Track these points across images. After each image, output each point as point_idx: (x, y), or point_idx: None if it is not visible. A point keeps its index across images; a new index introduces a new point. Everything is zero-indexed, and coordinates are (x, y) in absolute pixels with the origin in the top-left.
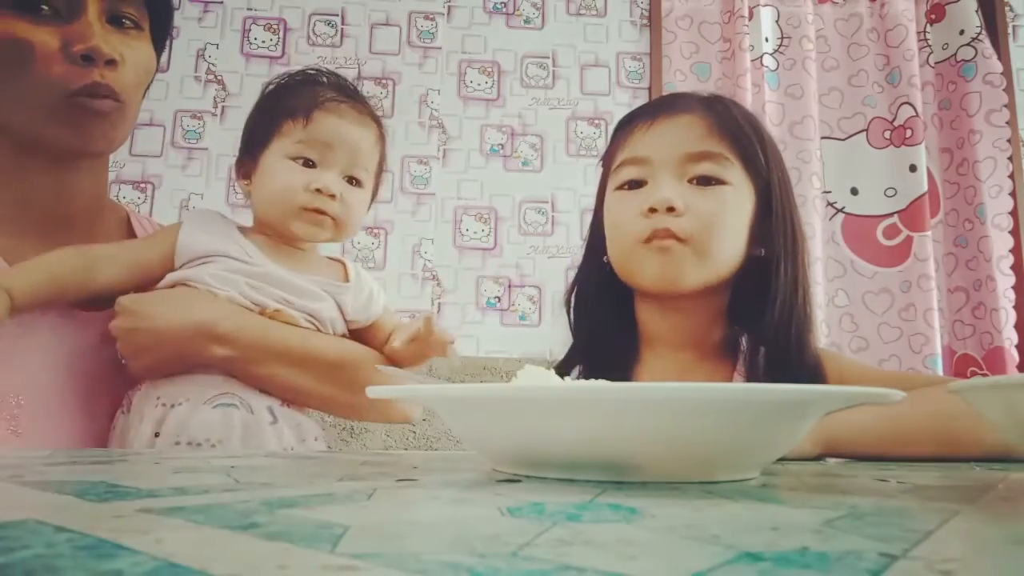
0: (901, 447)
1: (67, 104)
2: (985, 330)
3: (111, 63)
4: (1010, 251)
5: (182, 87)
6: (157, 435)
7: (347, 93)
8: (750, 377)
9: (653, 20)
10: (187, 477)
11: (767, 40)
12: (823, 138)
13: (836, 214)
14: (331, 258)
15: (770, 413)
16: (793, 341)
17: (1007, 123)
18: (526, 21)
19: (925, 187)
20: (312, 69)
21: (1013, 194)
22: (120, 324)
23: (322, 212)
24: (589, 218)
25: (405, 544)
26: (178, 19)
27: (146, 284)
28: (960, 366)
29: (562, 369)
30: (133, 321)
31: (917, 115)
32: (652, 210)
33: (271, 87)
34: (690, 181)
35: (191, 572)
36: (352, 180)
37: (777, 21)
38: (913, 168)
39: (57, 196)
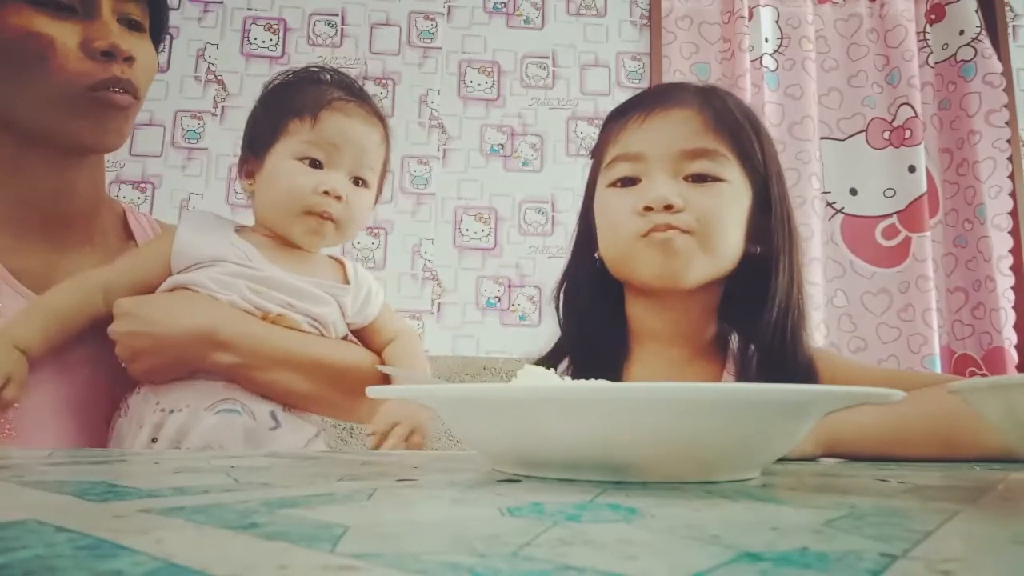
0: (901, 448)
1: (87, 98)
2: (984, 330)
3: (128, 60)
4: (1009, 251)
5: (182, 87)
6: (154, 440)
7: (353, 92)
8: (741, 376)
9: (653, 20)
10: (187, 477)
11: (767, 40)
12: (822, 138)
13: (835, 214)
14: (331, 256)
15: (770, 413)
16: (788, 340)
17: (1007, 123)
18: (526, 21)
19: (924, 188)
20: (315, 67)
21: (1013, 194)
22: (119, 328)
23: (325, 217)
24: None
25: (405, 544)
26: (178, 19)
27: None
28: (959, 366)
29: (547, 362)
30: (132, 325)
31: (916, 116)
32: (648, 208)
33: (275, 84)
34: (686, 179)
35: (191, 572)
36: (358, 180)
37: (777, 21)
38: (912, 169)
39: (57, 195)
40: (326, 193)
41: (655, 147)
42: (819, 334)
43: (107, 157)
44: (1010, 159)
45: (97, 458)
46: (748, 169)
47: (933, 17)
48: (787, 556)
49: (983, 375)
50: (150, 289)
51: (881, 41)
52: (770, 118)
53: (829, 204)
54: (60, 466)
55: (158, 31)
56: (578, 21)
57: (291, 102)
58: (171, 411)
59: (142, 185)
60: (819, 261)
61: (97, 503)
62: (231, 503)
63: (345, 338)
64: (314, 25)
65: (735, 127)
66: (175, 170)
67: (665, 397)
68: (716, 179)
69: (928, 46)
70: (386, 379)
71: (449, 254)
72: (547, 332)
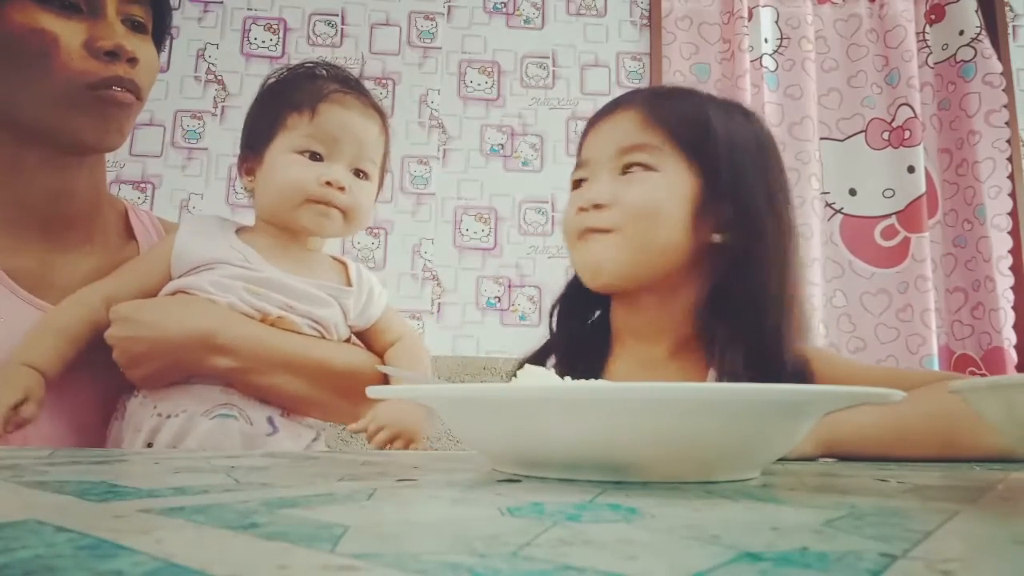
0: (901, 448)
1: (89, 96)
2: (984, 330)
3: (132, 61)
4: (1009, 252)
5: (182, 87)
6: (150, 445)
7: (350, 85)
8: (721, 374)
9: (653, 20)
10: (187, 477)
11: (766, 41)
12: (822, 139)
13: (834, 215)
14: (334, 257)
15: (770, 413)
16: (768, 335)
17: (1006, 123)
18: (526, 21)
19: (923, 188)
20: (310, 63)
21: (1012, 194)
22: (116, 333)
23: (330, 204)
24: None
25: (405, 544)
26: (178, 19)
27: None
28: (959, 366)
29: (535, 360)
30: (129, 330)
31: (916, 116)
32: (582, 209)
33: (271, 81)
34: (623, 173)
35: (191, 572)
36: (359, 173)
37: (776, 22)
38: (911, 169)
39: (55, 195)
40: (328, 184)
41: (598, 149)
42: (818, 334)
43: (107, 157)
44: (1010, 159)
45: (97, 458)
46: (695, 158)
47: (933, 17)
48: (787, 556)
49: (983, 375)
50: (152, 296)
51: (881, 41)
52: (770, 118)
53: (828, 204)
54: (60, 466)
55: (160, 33)
56: (578, 21)
57: (288, 97)
58: (168, 416)
59: (142, 185)
60: (818, 261)
61: (97, 503)
62: (231, 503)
63: (348, 340)
64: (314, 25)
65: (674, 119)
66: (175, 170)
67: (665, 397)
68: (647, 168)
69: (928, 46)
70: (387, 380)
71: (449, 254)
72: (547, 332)
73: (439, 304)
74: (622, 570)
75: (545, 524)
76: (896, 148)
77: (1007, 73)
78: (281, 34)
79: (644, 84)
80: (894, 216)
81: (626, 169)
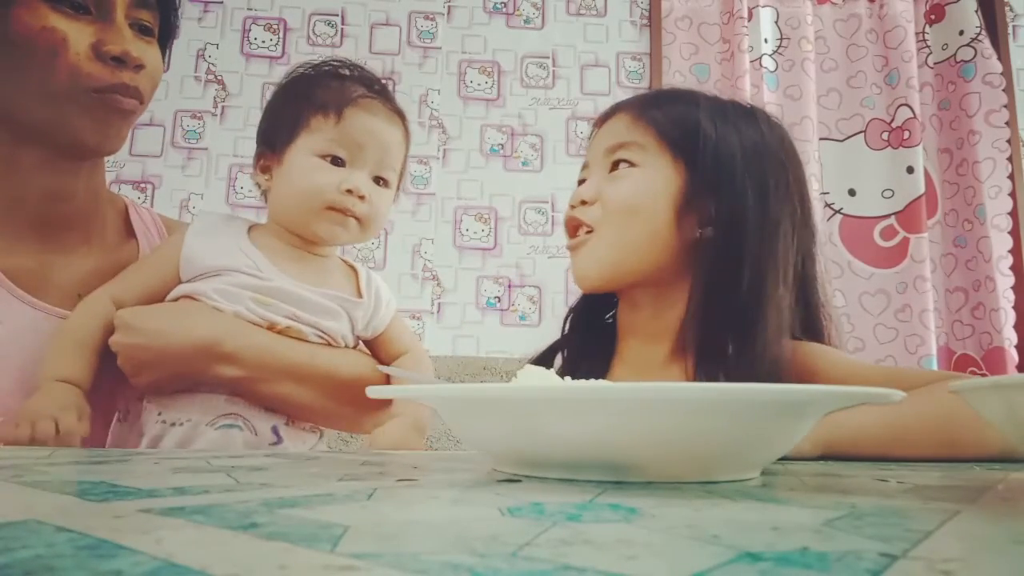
0: (901, 448)
1: (94, 100)
2: (984, 330)
3: (138, 67)
4: (1009, 251)
5: (182, 87)
6: None
7: (375, 89)
8: (697, 373)
9: (653, 20)
10: (187, 477)
11: (766, 41)
12: (821, 139)
13: (834, 215)
14: (344, 261)
15: (770, 413)
16: (745, 329)
17: (1006, 123)
18: (526, 21)
19: (922, 188)
20: (335, 60)
21: (1012, 194)
22: (121, 340)
23: (348, 213)
24: None
25: (405, 544)
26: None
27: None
28: (960, 366)
29: (542, 361)
30: (133, 337)
31: (915, 117)
32: (572, 206)
33: (293, 77)
34: (611, 171)
35: (191, 572)
36: (379, 180)
37: (776, 22)
38: (911, 170)
39: (54, 196)
40: (349, 192)
41: (594, 150)
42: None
43: (107, 157)
44: (1010, 159)
45: (97, 458)
46: (680, 156)
47: (933, 17)
48: (787, 556)
49: (983, 375)
50: (160, 298)
51: (880, 42)
52: None
53: (828, 205)
54: (60, 466)
55: (165, 37)
56: (578, 21)
57: (313, 97)
58: (172, 424)
59: (142, 185)
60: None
61: (97, 503)
62: (231, 503)
63: (355, 347)
64: (314, 25)
65: (663, 118)
66: (175, 170)
67: (665, 397)
68: (632, 165)
69: (927, 46)
70: (389, 382)
71: (449, 254)
72: (547, 332)
73: (439, 304)
74: (622, 570)
75: (545, 524)
76: (895, 148)
77: (1007, 73)
78: (281, 34)
79: (644, 84)
80: (893, 216)
81: (614, 167)
